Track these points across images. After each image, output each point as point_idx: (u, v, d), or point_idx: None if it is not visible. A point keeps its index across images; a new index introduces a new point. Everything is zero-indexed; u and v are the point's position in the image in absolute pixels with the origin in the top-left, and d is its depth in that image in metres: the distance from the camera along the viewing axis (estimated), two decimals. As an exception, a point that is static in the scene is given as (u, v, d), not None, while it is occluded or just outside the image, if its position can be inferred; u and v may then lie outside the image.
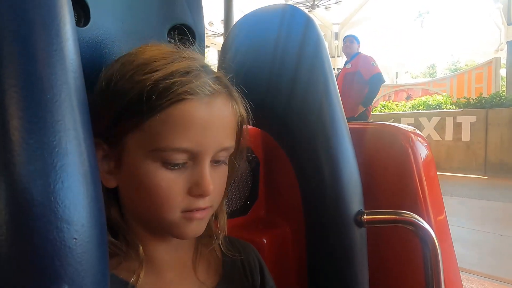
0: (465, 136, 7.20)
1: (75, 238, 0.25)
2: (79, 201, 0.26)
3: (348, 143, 0.54)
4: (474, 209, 4.06)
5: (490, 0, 10.22)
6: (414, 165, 0.58)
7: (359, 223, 0.51)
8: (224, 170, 0.48)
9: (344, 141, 0.54)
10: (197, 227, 0.46)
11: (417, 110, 8.67)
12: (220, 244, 0.54)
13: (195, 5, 0.61)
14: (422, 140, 0.65)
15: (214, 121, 0.44)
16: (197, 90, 0.42)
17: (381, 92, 12.35)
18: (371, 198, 0.57)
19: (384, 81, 5.00)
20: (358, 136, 0.57)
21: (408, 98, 11.51)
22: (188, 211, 0.44)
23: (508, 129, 6.69)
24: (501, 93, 8.46)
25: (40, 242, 0.24)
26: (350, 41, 4.99)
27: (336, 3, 10.82)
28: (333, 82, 0.55)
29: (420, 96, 10.59)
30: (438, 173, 0.65)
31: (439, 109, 8.26)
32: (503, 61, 10.25)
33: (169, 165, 0.43)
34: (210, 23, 11.75)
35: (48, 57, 0.27)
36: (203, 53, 0.63)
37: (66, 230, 0.25)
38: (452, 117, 7.41)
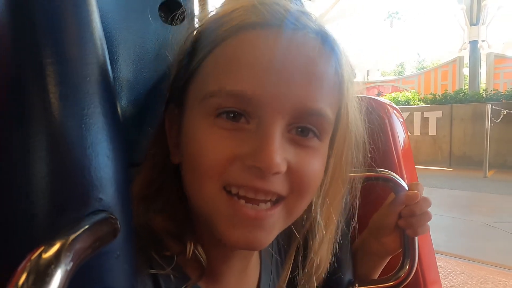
0: (432, 130, 7.57)
1: (108, 156, 0.29)
2: (107, 123, 0.30)
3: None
4: (441, 197, 4.30)
5: (455, 1, 10.72)
6: (390, 133, 0.66)
7: (343, 181, 0.58)
8: (317, 149, 0.35)
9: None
10: (249, 233, 0.33)
11: (387, 106, 8.99)
12: None
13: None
14: (398, 114, 0.72)
15: (291, 61, 0.32)
16: (264, 17, 0.32)
17: (353, 89, 12.67)
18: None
19: (355, 76, 5.18)
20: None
21: (379, 94, 11.91)
22: (233, 194, 0.33)
23: (471, 124, 7.10)
24: (464, 90, 8.94)
25: (78, 157, 0.28)
26: (324, 38, 5.13)
27: (310, 0, 10.98)
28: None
29: (390, 93, 11.00)
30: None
31: (408, 105, 8.62)
32: (466, 59, 10.80)
33: (224, 120, 0.32)
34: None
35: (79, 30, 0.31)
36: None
37: (99, 147, 0.29)
38: (420, 113, 7.77)
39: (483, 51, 10.48)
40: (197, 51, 0.36)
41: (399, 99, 9.32)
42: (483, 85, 10.37)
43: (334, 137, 0.39)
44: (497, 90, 8.17)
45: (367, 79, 16.76)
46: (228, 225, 0.33)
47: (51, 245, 0.21)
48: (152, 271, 0.38)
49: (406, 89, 11.55)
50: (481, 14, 10.14)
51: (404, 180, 0.59)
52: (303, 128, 0.34)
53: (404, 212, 0.55)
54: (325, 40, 0.35)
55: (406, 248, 0.57)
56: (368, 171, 0.59)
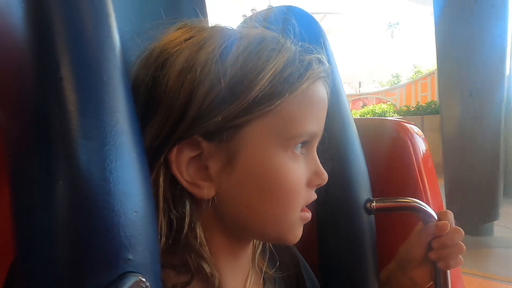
0: (405, 140, 7.69)
1: (136, 212, 0.26)
2: (135, 176, 0.27)
3: (355, 137, 0.57)
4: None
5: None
6: (413, 156, 0.63)
7: (369, 211, 0.54)
8: None
9: (352, 135, 0.56)
10: (301, 230, 0.42)
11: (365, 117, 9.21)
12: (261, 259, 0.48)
13: (200, 5, 0.62)
14: (420, 135, 0.69)
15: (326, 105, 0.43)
16: (326, 71, 0.41)
17: (339, 102, 12.85)
18: (374, 189, 0.61)
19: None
20: (362, 130, 0.60)
21: (364, 106, 12.10)
22: (303, 211, 0.40)
23: (440, 134, 7.22)
24: (435, 101, 9.08)
25: (106, 214, 0.24)
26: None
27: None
28: (338, 77, 0.57)
29: (374, 105, 11.19)
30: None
31: (384, 117, 8.77)
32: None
33: (295, 154, 0.38)
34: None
35: (101, 42, 0.27)
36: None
37: (127, 202, 0.25)
38: (394, 124, 7.91)
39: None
40: (283, 84, 0.37)
41: (376, 111, 9.49)
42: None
43: None
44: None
45: (359, 91, 17.06)
46: (297, 232, 0.41)
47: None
48: None
49: (389, 101, 11.78)
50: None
51: (430, 207, 0.56)
52: None
53: (434, 244, 0.52)
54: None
55: (438, 283, 0.53)
56: (393, 200, 0.55)
